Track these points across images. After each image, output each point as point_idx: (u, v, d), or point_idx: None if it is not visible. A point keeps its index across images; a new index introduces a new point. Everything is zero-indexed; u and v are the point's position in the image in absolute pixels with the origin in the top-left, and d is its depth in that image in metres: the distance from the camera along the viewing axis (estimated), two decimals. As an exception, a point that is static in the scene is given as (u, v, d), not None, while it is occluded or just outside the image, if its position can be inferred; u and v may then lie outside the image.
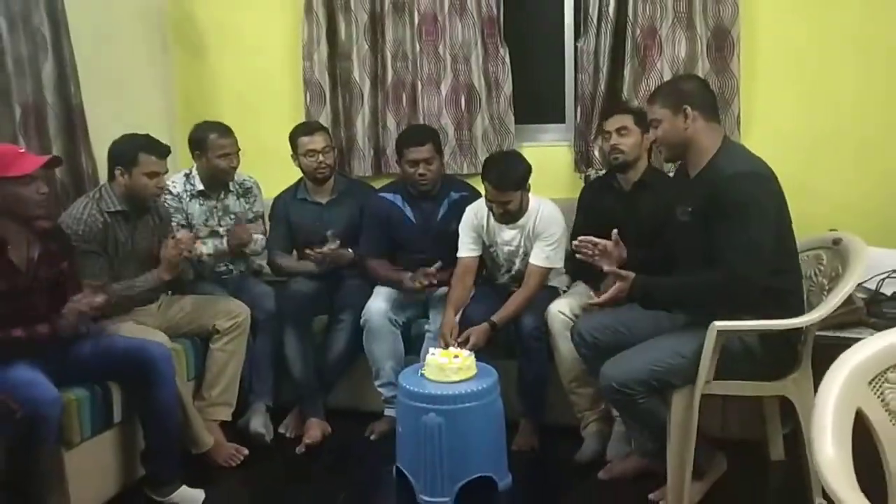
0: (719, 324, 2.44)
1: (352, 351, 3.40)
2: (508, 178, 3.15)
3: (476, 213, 3.32)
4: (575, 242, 2.84)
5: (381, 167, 4.06)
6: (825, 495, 2.46)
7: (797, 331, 2.53)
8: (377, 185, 3.86)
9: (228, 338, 3.21)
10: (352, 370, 3.48)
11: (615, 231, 2.77)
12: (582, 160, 3.78)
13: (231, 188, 3.62)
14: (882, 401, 1.62)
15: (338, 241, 3.46)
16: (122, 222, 3.08)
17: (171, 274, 3.12)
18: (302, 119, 3.99)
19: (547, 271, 3.25)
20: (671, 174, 3.47)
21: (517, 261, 3.34)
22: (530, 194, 3.25)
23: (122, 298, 3.03)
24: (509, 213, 3.21)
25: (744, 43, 3.54)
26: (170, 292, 3.32)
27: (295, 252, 3.68)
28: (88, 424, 2.71)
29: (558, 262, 3.26)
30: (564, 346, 3.04)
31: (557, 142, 3.98)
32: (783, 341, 2.54)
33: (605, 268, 2.71)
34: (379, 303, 3.34)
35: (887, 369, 1.64)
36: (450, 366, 2.77)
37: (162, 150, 3.09)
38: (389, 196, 3.57)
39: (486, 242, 3.34)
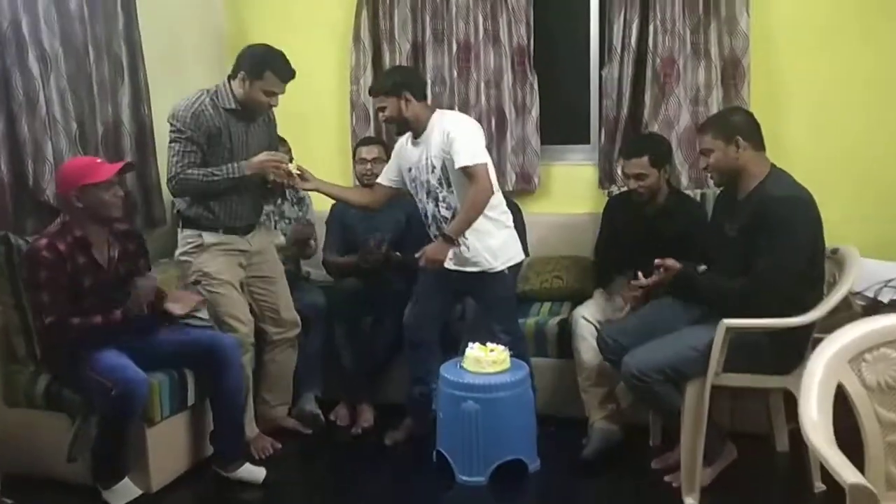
0: (728, 321, 2.65)
1: (394, 349, 3.58)
2: (378, 83, 3.27)
3: (401, 140, 3.32)
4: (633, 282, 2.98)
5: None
6: (824, 480, 2.74)
7: (806, 331, 2.70)
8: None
9: (278, 350, 3.42)
10: (394, 367, 3.63)
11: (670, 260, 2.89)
12: (606, 178, 3.97)
13: (287, 195, 3.84)
14: (859, 377, 1.86)
15: (385, 245, 3.66)
16: (235, 120, 3.14)
17: (253, 171, 3.09)
18: (349, 137, 4.22)
19: (479, 169, 3.00)
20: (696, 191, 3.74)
21: (432, 178, 3.13)
22: (437, 112, 3.18)
23: (204, 184, 3.07)
24: (389, 120, 3.20)
25: (755, 71, 3.72)
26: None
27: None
28: (168, 405, 2.96)
29: (483, 157, 3.04)
30: (584, 348, 3.22)
31: (582, 161, 4.16)
32: (789, 339, 2.71)
33: (658, 261, 2.88)
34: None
35: (865, 351, 1.87)
36: (486, 358, 3.00)
37: (287, 75, 3.10)
38: None
39: (405, 169, 3.27)
